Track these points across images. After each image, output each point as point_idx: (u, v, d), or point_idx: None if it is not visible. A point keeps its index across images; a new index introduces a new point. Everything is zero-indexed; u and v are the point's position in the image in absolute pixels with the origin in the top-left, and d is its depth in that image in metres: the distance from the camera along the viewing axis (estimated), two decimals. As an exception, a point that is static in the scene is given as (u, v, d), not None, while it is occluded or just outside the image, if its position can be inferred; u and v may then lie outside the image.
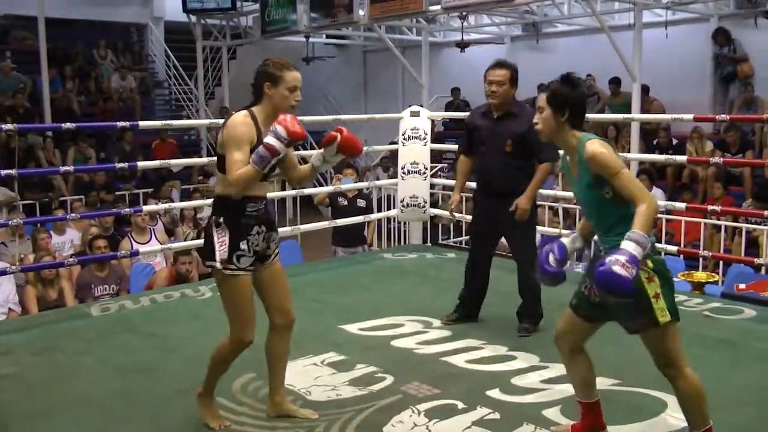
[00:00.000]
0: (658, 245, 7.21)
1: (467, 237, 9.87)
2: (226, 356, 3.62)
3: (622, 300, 3.01)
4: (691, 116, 6.49)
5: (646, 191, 3.12)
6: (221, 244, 3.41)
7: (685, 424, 3.65)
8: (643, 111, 12.11)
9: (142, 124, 7.50)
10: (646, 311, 3.13)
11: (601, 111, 12.79)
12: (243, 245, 3.44)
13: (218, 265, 3.41)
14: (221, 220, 3.43)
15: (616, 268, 2.89)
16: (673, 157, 7.47)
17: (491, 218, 5.18)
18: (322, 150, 3.66)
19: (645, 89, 12.23)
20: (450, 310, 5.36)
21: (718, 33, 12.14)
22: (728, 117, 7.37)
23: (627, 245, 2.95)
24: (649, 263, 3.13)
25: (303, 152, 6.92)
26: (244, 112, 3.45)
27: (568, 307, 3.44)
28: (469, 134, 5.33)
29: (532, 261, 4.70)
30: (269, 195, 3.66)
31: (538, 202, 5.94)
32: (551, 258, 3.41)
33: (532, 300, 5.15)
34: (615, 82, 12.73)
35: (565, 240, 3.50)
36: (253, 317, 3.53)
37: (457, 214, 5.95)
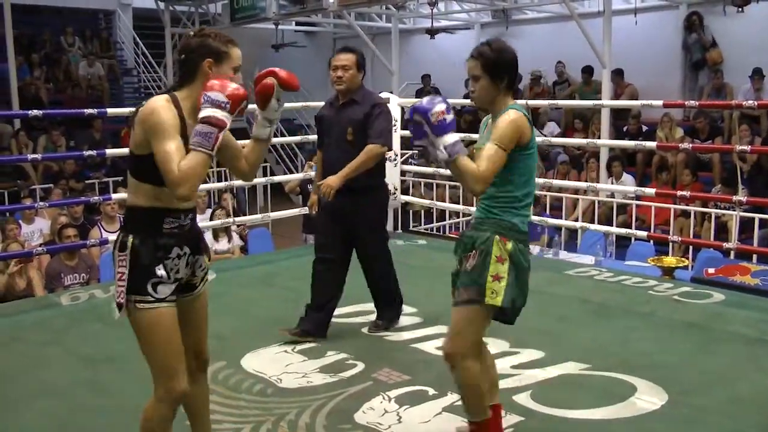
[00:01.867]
0: (627, 230, 7.29)
1: (438, 223, 9.92)
2: (160, 421, 2.86)
3: (469, 269, 3.03)
4: (660, 102, 6.53)
5: (491, 173, 2.94)
6: (120, 277, 2.71)
7: (655, 407, 3.70)
8: (618, 95, 12.20)
9: (111, 111, 7.42)
10: (479, 286, 3.01)
11: (570, 97, 12.84)
12: (159, 271, 2.72)
13: (115, 310, 2.73)
14: (129, 240, 2.71)
15: (428, 97, 2.91)
16: (643, 143, 7.51)
17: (338, 216, 4.73)
18: (260, 112, 2.90)
19: (619, 73, 12.31)
20: (420, 297, 5.34)
21: (690, 18, 12.20)
22: (697, 103, 7.41)
23: (450, 116, 2.90)
24: (509, 245, 3.03)
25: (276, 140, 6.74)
26: (165, 96, 2.72)
27: None
28: (318, 126, 4.98)
29: (387, 258, 4.95)
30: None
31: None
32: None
33: (389, 288, 4.99)
34: (587, 71, 12.76)
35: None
36: (182, 360, 2.83)
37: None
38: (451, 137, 2.90)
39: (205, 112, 2.58)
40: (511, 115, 3.01)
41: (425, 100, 2.93)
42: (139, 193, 2.75)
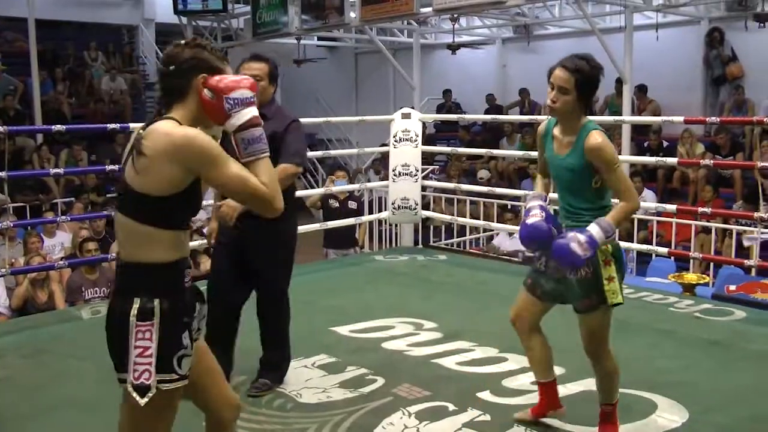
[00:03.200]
0: (648, 246, 7.25)
1: (459, 239, 9.91)
2: None
3: (578, 278, 3.21)
4: (681, 118, 6.51)
5: (635, 192, 3.26)
6: (142, 352, 2.27)
7: (676, 425, 3.68)
8: (641, 110, 12.17)
9: (133, 126, 7.46)
10: (598, 292, 3.25)
11: (602, 107, 12.87)
12: (185, 340, 2.34)
13: (135, 396, 2.29)
14: (155, 305, 2.27)
15: (574, 245, 3.07)
16: (664, 159, 7.49)
17: (235, 249, 4.12)
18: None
19: (642, 89, 12.28)
20: (441, 313, 5.32)
21: (712, 33, 12.18)
22: (719, 119, 7.40)
23: (593, 228, 3.11)
24: (609, 247, 3.25)
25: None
26: (170, 122, 2.33)
27: (522, 286, 3.54)
28: (221, 143, 4.24)
29: (286, 303, 4.25)
30: None
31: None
32: (552, 230, 3.28)
33: (281, 343, 4.27)
34: (619, 82, 12.72)
35: (544, 206, 3.42)
36: None
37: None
38: (600, 235, 3.12)
39: (242, 115, 2.32)
40: (601, 137, 3.16)
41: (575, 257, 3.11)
42: (156, 245, 2.31)
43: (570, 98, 3.16)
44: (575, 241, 3.08)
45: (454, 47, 13.72)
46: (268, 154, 2.36)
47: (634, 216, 8.81)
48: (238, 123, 2.32)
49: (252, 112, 2.33)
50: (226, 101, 2.30)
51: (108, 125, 6.53)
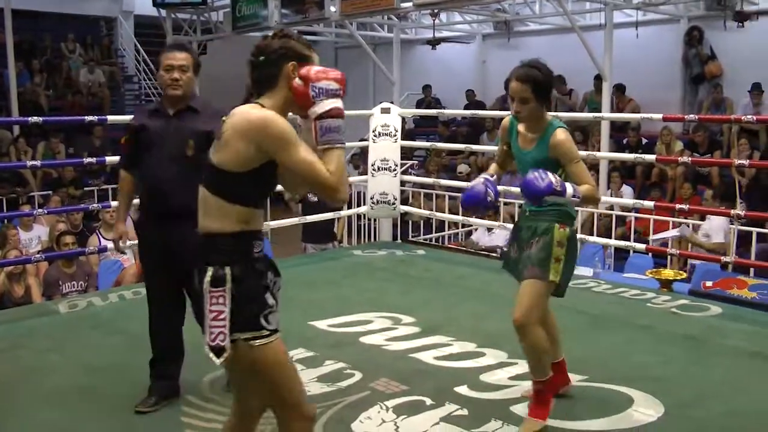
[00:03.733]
0: (626, 243, 7.30)
1: (437, 234, 9.93)
2: None
3: (535, 249, 3.49)
4: (660, 116, 6.54)
5: (596, 187, 3.56)
6: (217, 316, 2.42)
7: (652, 419, 3.71)
8: (620, 110, 12.23)
9: (111, 118, 7.40)
10: (543, 264, 3.48)
11: (582, 104, 12.94)
12: (270, 299, 2.50)
13: (212, 357, 2.43)
14: (225, 272, 2.42)
15: (535, 176, 3.29)
16: (642, 156, 7.53)
17: (168, 249, 3.77)
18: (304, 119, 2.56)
19: (621, 88, 12.34)
20: (419, 307, 5.32)
21: (691, 32, 12.26)
22: (697, 117, 7.46)
23: (554, 177, 3.31)
24: (567, 231, 3.52)
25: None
26: (254, 105, 2.47)
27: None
28: (136, 138, 3.93)
29: None
30: None
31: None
32: (489, 194, 3.56)
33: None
34: (599, 79, 12.78)
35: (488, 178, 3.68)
36: (301, 382, 2.63)
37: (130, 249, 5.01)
38: (570, 189, 3.33)
39: (325, 104, 2.41)
40: (565, 135, 3.45)
41: (540, 183, 3.31)
42: (227, 217, 2.45)
43: (531, 105, 3.41)
44: (535, 174, 3.30)
45: (434, 43, 13.75)
46: (343, 145, 2.45)
47: (612, 212, 8.87)
48: (319, 111, 2.42)
49: (335, 103, 2.42)
50: (312, 88, 2.41)
51: (85, 117, 6.46)
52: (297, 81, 2.46)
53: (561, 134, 3.44)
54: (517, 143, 3.62)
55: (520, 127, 3.59)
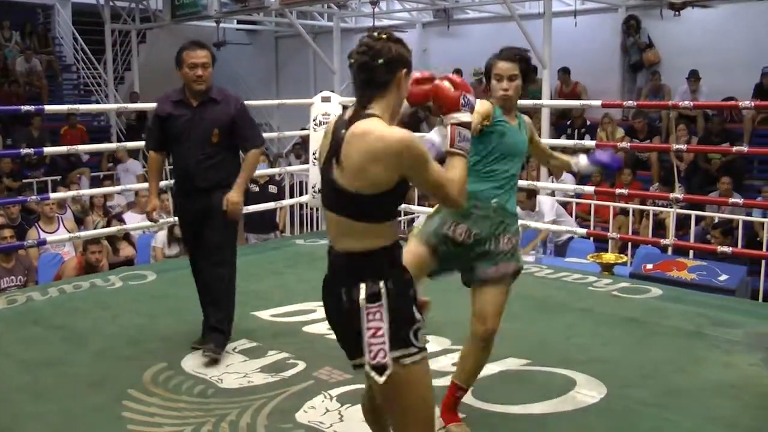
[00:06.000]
0: (567, 227, 7.39)
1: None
2: None
3: (499, 247, 3.36)
4: (599, 102, 6.63)
5: None
6: (375, 333, 2.34)
7: (594, 400, 3.77)
8: (563, 94, 12.37)
9: (48, 108, 7.30)
10: (517, 263, 3.43)
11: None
12: (417, 314, 2.44)
13: (374, 376, 2.34)
14: (380, 286, 2.35)
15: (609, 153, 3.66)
16: (582, 141, 7.62)
17: (197, 216, 4.48)
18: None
19: (567, 71, 12.48)
20: None
21: (628, 21, 12.43)
22: (635, 103, 7.57)
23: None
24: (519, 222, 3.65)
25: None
26: (376, 119, 2.37)
27: (418, 242, 3.45)
28: (162, 127, 4.51)
29: (232, 262, 4.59)
30: None
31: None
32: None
33: (227, 308, 4.52)
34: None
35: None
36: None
37: (162, 219, 5.63)
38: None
39: (467, 115, 2.50)
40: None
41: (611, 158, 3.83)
42: (374, 236, 2.40)
43: (519, 83, 3.46)
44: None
45: (374, 31, 13.72)
46: (468, 156, 2.52)
47: (555, 198, 8.96)
48: (462, 119, 2.49)
49: (470, 117, 2.52)
50: (463, 97, 2.51)
51: (22, 107, 6.32)
52: (447, 85, 2.52)
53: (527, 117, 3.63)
54: (509, 125, 3.47)
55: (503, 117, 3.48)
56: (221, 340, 4.40)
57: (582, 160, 3.75)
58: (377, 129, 2.31)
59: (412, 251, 3.41)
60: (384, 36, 2.47)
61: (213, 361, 4.26)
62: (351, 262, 2.42)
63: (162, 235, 7.90)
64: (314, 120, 7.70)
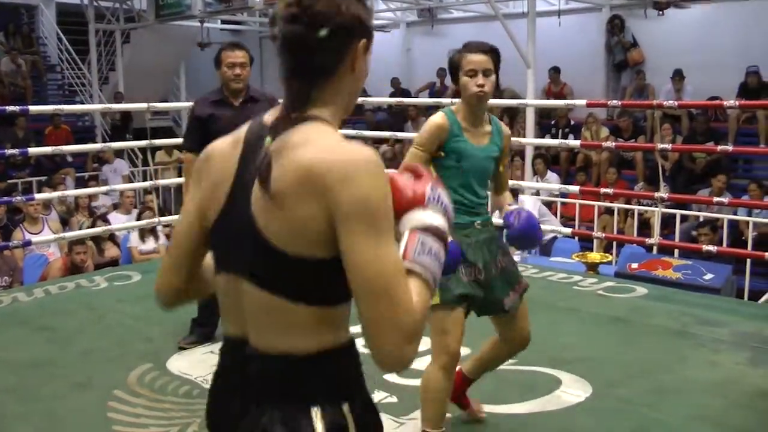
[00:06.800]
0: (552, 227, 7.41)
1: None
2: None
3: (502, 270, 3.23)
4: (584, 102, 6.65)
5: None
6: None
7: (580, 399, 3.78)
8: (556, 93, 12.42)
9: (33, 108, 7.27)
10: (520, 276, 3.38)
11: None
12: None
13: None
14: (344, 410, 1.42)
15: (532, 222, 3.18)
16: (566, 141, 7.65)
17: None
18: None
19: (557, 71, 12.53)
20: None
21: (613, 21, 12.48)
22: (620, 103, 7.60)
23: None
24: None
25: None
26: (321, 125, 1.45)
27: (446, 309, 3.08)
28: (203, 128, 4.44)
29: None
30: None
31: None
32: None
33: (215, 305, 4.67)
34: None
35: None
36: None
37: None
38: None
39: (438, 218, 1.49)
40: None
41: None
42: (331, 326, 1.45)
43: (494, 78, 3.07)
44: (532, 221, 3.19)
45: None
46: (433, 282, 1.50)
47: (539, 198, 8.98)
48: (429, 221, 1.47)
49: (441, 219, 1.49)
50: (431, 189, 1.50)
51: (7, 107, 6.30)
52: (405, 176, 1.53)
53: (504, 125, 3.26)
54: (468, 141, 3.08)
55: (464, 124, 3.08)
56: (205, 333, 4.58)
57: (513, 207, 3.26)
58: (324, 142, 1.40)
59: (458, 320, 3.14)
60: None
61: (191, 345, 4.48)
62: (290, 372, 1.43)
63: (134, 235, 7.93)
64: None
